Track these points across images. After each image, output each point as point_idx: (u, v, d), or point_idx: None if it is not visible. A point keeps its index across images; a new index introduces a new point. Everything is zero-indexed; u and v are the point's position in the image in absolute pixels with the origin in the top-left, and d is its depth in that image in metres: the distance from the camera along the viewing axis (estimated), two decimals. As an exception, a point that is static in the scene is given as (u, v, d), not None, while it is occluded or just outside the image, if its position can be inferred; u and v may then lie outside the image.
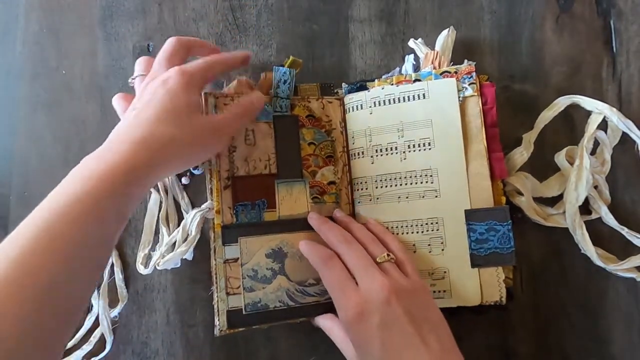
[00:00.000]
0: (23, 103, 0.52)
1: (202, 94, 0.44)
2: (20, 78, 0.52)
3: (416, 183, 0.44)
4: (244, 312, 0.42)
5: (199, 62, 0.41)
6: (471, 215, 0.43)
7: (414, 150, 0.45)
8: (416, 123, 0.45)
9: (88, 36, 0.52)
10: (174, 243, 0.46)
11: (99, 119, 0.51)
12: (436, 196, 0.44)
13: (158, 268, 0.45)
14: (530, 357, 0.45)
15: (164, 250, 0.45)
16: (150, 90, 0.39)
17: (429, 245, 0.44)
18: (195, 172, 0.47)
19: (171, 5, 0.52)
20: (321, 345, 0.46)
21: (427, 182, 0.44)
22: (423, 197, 0.44)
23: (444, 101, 0.44)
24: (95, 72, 0.52)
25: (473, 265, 0.43)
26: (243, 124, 0.44)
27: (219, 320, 0.42)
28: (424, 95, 0.45)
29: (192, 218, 0.45)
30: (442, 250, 0.44)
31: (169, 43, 0.42)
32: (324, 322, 0.43)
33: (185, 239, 0.46)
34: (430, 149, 0.44)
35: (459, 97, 0.44)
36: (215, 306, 0.43)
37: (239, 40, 0.52)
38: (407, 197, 0.45)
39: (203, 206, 0.45)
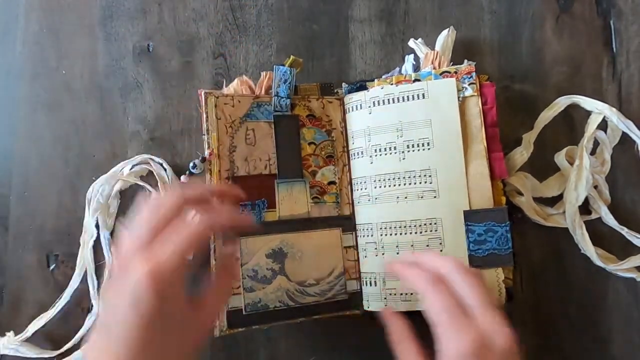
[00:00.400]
0: (23, 103, 0.52)
1: (202, 94, 0.44)
2: (20, 78, 0.52)
3: (415, 183, 0.44)
4: (244, 312, 0.42)
5: (169, 246, 0.31)
6: (470, 216, 0.43)
7: (413, 150, 0.45)
8: (415, 123, 0.45)
9: (88, 36, 0.52)
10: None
11: (99, 119, 0.51)
12: (435, 196, 0.44)
13: None
14: (530, 357, 0.45)
15: None
16: (112, 300, 0.31)
17: (427, 245, 0.44)
18: (194, 171, 0.47)
19: (171, 5, 0.52)
20: (321, 345, 0.46)
21: (426, 182, 0.44)
22: (422, 197, 0.44)
23: (443, 101, 0.44)
24: (95, 72, 0.52)
25: (471, 266, 0.43)
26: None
27: (219, 320, 0.42)
28: (423, 95, 0.45)
29: (192, 217, 0.45)
30: (441, 250, 0.44)
31: (168, 201, 0.32)
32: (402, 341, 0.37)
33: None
34: (429, 149, 0.44)
35: (458, 97, 0.44)
36: None
37: (239, 40, 0.52)
38: (405, 197, 0.44)
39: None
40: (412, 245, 0.44)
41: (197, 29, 0.52)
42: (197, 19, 0.52)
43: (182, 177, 0.48)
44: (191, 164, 0.46)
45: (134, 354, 0.29)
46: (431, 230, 0.44)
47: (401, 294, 0.43)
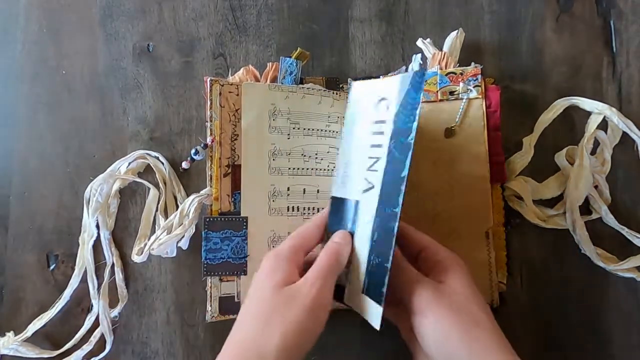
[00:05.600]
0: (23, 103, 0.52)
1: (208, 81, 0.44)
2: (20, 78, 0.52)
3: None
4: (236, 300, 0.43)
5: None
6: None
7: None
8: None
9: (88, 36, 0.52)
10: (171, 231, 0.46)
11: (99, 119, 0.51)
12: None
13: (153, 253, 0.45)
14: (530, 357, 0.45)
15: (160, 233, 0.45)
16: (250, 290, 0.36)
17: None
18: (196, 157, 0.47)
19: (171, 5, 0.52)
20: (321, 345, 0.46)
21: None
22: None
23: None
24: (95, 72, 0.52)
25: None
26: (333, 278, 0.36)
27: (210, 306, 0.43)
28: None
29: (190, 203, 0.45)
30: None
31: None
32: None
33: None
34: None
35: (462, 97, 0.44)
36: (208, 292, 0.43)
37: (239, 40, 0.52)
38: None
39: (202, 192, 0.45)
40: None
41: (197, 29, 0.52)
42: (197, 19, 0.52)
43: (183, 163, 0.48)
44: (193, 150, 0.46)
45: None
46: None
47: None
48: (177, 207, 0.48)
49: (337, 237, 0.38)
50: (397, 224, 0.34)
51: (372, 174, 0.36)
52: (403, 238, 0.38)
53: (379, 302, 0.34)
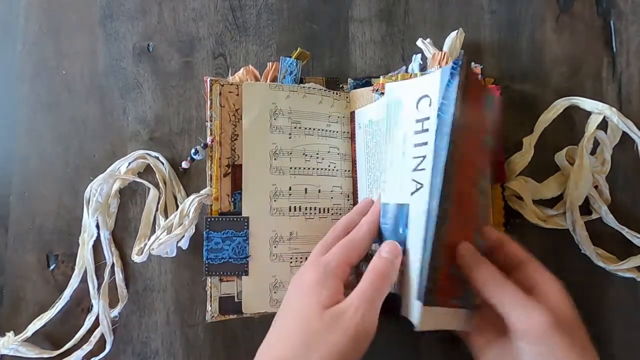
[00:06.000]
0: (23, 103, 0.52)
1: (208, 80, 0.44)
2: (20, 78, 0.52)
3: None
4: (236, 300, 0.43)
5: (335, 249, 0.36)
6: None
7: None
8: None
9: (88, 36, 0.52)
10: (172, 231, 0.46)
11: (99, 119, 0.51)
12: None
13: (153, 253, 0.45)
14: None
15: (160, 233, 0.45)
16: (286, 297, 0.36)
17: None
18: (196, 157, 0.47)
19: (171, 5, 0.52)
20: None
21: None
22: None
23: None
24: (95, 72, 0.52)
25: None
26: (381, 299, 0.34)
27: (210, 306, 0.42)
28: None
29: (190, 203, 0.45)
30: None
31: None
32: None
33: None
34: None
35: None
36: (208, 292, 0.43)
37: (239, 40, 0.52)
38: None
39: (202, 192, 0.45)
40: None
41: (197, 29, 0.52)
42: (197, 19, 0.52)
43: (183, 163, 0.48)
44: (193, 150, 0.46)
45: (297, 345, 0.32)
46: None
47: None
48: (177, 207, 0.48)
49: (385, 250, 0.35)
50: (439, 221, 0.33)
51: (420, 174, 0.35)
52: (499, 251, 0.37)
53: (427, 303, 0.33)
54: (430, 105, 0.36)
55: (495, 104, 0.38)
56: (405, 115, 0.38)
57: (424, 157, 0.35)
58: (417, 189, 0.35)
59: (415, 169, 0.36)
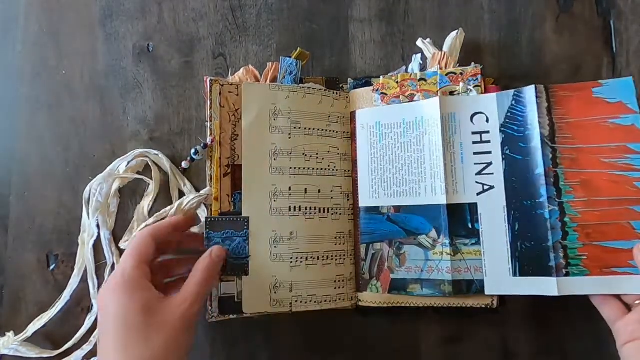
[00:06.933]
0: (23, 103, 0.52)
1: (208, 81, 0.44)
2: (20, 78, 0.52)
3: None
4: (236, 300, 0.43)
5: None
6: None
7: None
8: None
9: (88, 36, 0.52)
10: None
11: (99, 119, 0.51)
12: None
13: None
14: (530, 357, 0.45)
15: (153, 221, 0.45)
16: (100, 308, 0.38)
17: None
18: (196, 157, 0.47)
19: (171, 5, 0.52)
20: (321, 346, 0.46)
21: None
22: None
23: None
24: (95, 72, 0.52)
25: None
26: (208, 291, 0.41)
27: (210, 306, 0.42)
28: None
29: (190, 200, 0.45)
30: None
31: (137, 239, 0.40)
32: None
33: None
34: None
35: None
36: None
37: (239, 40, 0.52)
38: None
39: (202, 192, 0.45)
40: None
41: (197, 29, 0.52)
42: (197, 19, 0.52)
43: (183, 163, 0.48)
44: (192, 150, 0.46)
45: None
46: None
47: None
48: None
49: (216, 254, 0.40)
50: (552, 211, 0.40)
51: (487, 177, 0.43)
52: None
53: (549, 275, 0.40)
54: (488, 122, 0.44)
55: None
56: (458, 128, 0.44)
57: (489, 164, 0.43)
58: (486, 190, 0.43)
59: (479, 173, 0.43)
